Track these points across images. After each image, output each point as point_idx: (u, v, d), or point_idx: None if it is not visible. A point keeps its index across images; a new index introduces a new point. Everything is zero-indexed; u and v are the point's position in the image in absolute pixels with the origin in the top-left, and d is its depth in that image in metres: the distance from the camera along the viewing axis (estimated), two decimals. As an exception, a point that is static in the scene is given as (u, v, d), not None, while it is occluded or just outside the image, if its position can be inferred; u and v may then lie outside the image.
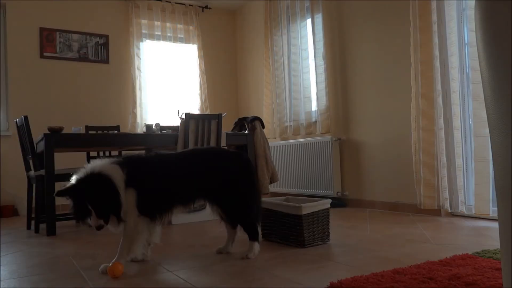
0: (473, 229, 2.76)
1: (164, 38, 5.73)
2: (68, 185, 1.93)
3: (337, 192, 4.33)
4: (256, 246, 2.21)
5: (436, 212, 3.38)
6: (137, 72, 5.43)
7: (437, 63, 3.31)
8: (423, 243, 2.38)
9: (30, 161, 3.54)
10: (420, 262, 1.91)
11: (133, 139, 3.63)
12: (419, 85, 3.41)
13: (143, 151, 4.09)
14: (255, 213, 2.25)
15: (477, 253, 2.03)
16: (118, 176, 1.97)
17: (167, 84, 5.72)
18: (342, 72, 4.38)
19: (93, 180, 1.92)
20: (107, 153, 4.59)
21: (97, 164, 2.00)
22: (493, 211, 2.95)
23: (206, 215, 3.62)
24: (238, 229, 2.31)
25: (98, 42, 5.33)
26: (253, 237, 2.21)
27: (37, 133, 3.89)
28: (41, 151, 3.41)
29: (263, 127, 4.42)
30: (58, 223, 3.61)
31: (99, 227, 1.92)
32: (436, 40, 3.31)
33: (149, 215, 2.07)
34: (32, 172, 3.52)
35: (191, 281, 1.80)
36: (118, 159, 2.07)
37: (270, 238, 2.61)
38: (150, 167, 2.12)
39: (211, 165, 2.20)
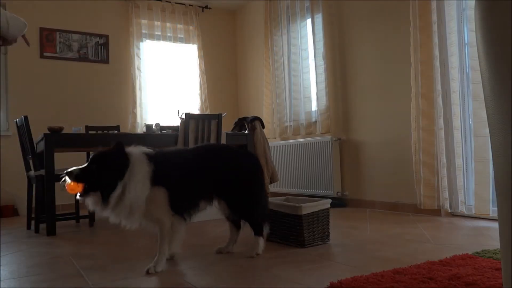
0: (473, 229, 2.76)
1: (164, 38, 5.73)
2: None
3: (337, 192, 4.33)
4: (261, 241, 2.24)
5: (436, 212, 3.38)
6: (137, 72, 5.43)
7: (437, 63, 3.31)
8: (423, 243, 2.38)
9: (30, 161, 3.54)
10: (420, 262, 1.91)
11: (133, 139, 3.62)
12: (419, 85, 3.41)
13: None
14: (263, 211, 2.30)
15: (477, 253, 2.03)
16: (141, 167, 1.96)
17: (167, 84, 5.72)
18: (342, 72, 4.38)
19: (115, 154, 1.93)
20: (107, 153, 4.59)
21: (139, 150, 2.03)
22: (493, 211, 2.95)
23: (206, 215, 3.61)
24: (240, 231, 2.35)
25: (98, 42, 5.33)
26: (257, 232, 2.24)
27: (37, 133, 3.89)
28: (41, 151, 3.41)
29: (263, 127, 4.43)
30: (58, 223, 3.62)
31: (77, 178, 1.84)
32: (436, 40, 3.30)
33: (181, 214, 2.10)
34: (32, 172, 3.52)
35: (191, 281, 1.80)
36: (151, 155, 2.05)
37: (270, 238, 2.61)
38: (176, 164, 2.13)
39: (225, 163, 2.23)
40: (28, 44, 1.79)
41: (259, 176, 2.31)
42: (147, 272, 1.94)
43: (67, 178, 1.86)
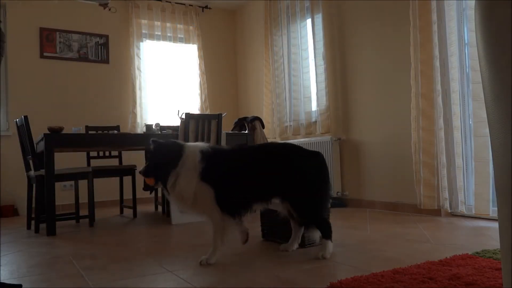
0: (473, 229, 2.76)
1: (164, 38, 5.73)
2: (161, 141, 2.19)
3: (337, 192, 4.33)
4: (330, 244, 2.15)
5: (436, 212, 3.38)
6: (137, 72, 5.43)
7: (437, 63, 3.31)
8: (423, 243, 2.38)
9: (30, 161, 3.54)
10: (420, 262, 1.91)
11: (133, 139, 3.63)
12: (419, 85, 3.41)
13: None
14: (327, 211, 2.25)
15: (477, 253, 2.03)
16: (192, 159, 2.10)
17: (167, 84, 5.72)
18: (342, 72, 4.38)
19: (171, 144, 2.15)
20: (107, 153, 4.59)
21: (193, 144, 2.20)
22: (493, 211, 2.95)
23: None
24: (303, 228, 2.30)
25: (98, 42, 5.33)
26: (326, 235, 2.17)
27: (37, 133, 3.89)
28: (41, 151, 3.41)
29: (263, 127, 4.43)
30: (58, 223, 3.61)
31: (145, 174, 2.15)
32: (436, 40, 3.30)
33: (229, 212, 2.12)
34: (32, 172, 3.52)
35: (191, 281, 1.80)
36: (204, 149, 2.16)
37: (270, 238, 2.61)
38: (226, 163, 2.16)
39: (289, 162, 2.17)
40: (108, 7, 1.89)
41: (323, 175, 2.22)
42: (200, 264, 2.06)
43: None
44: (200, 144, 2.21)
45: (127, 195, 4.97)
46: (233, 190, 2.12)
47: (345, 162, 4.36)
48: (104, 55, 5.35)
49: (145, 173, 2.15)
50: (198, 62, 5.91)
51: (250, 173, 2.16)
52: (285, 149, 2.24)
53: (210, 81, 6.09)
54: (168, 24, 5.76)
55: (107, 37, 5.38)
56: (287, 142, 2.19)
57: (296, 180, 2.15)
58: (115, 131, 4.10)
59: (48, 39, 5.03)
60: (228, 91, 6.31)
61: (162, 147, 2.14)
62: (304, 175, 2.16)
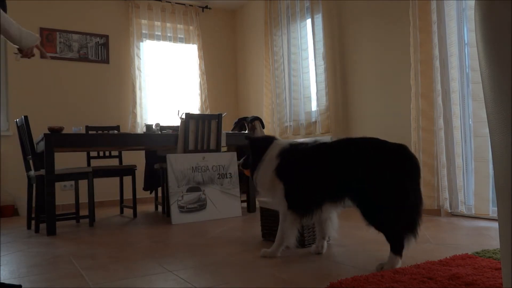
0: (473, 229, 2.76)
1: (164, 38, 5.73)
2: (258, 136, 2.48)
3: (337, 192, 4.32)
4: (396, 260, 1.82)
5: (436, 212, 3.38)
6: (137, 72, 5.43)
7: (437, 63, 3.31)
8: (423, 243, 2.38)
9: (30, 161, 3.54)
10: (420, 262, 1.91)
11: (133, 139, 3.63)
12: (419, 85, 3.41)
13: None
14: (403, 220, 1.88)
15: (477, 253, 2.03)
16: (274, 155, 2.23)
17: (167, 84, 5.73)
18: (342, 72, 4.38)
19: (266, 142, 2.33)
20: (107, 153, 4.59)
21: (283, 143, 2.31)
22: (493, 211, 2.95)
23: (206, 215, 3.62)
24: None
25: (98, 42, 5.33)
26: (394, 249, 1.84)
27: (37, 133, 3.89)
28: (41, 151, 3.41)
29: (263, 127, 4.43)
30: (58, 223, 3.61)
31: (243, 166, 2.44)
32: (436, 40, 3.31)
33: (297, 211, 2.12)
34: (32, 172, 3.53)
35: (191, 281, 1.80)
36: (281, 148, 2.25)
37: (270, 238, 2.61)
38: (299, 161, 2.15)
39: (367, 159, 1.91)
40: (45, 56, 1.96)
41: (400, 175, 1.87)
42: (261, 256, 2.16)
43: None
44: (285, 140, 2.36)
45: (127, 195, 4.97)
46: (303, 188, 2.08)
47: (345, 162, 4.35)
48: (104, 55, 5.36)
49: (243, 165, 2.43)
50: (198, 62, 5.92)
51: (321, 171, 2.03)
52: (364, 144, 1.98)
53: (210, 81, 6.10)
54: (168, 24, 5.76)
55: (107, 37, 5.38)
56: (369, 137, 2.00)
57: (362, 180, 1.90)
58: (115, 131, 4.10)
59: (48, 39, 5.03)
60: (228, 91, 6.31)
61: (255, 142, 2.36)
62: (372, 175, 1.87)
